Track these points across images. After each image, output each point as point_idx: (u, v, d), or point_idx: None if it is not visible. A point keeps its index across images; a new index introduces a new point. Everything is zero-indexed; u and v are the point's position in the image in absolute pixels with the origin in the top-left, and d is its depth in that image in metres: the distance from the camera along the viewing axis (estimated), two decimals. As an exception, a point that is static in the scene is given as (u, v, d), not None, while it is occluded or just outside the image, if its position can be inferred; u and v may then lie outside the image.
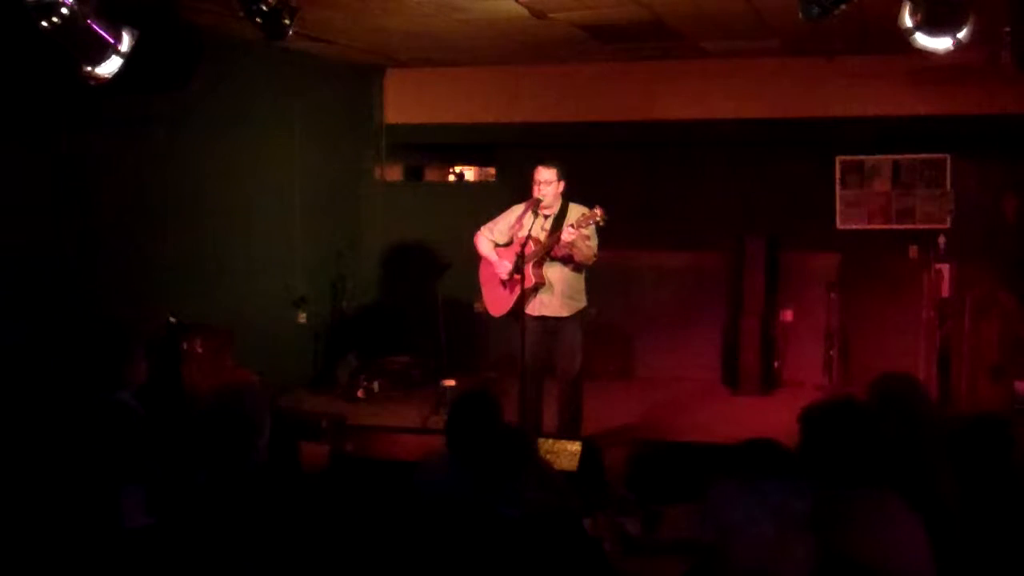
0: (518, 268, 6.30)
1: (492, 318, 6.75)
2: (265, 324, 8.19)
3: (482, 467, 3.59)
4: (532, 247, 6.34)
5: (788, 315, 9.11)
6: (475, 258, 6.75)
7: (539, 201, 6.34)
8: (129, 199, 6.95)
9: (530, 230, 6.32)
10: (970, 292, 8.05)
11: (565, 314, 6.47)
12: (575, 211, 6.38)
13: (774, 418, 7.63)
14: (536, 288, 6.38)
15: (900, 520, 2.91)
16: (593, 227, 6.27)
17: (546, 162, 6.38)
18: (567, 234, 6.19)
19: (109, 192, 6.76)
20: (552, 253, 6.36)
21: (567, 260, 6.39)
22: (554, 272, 6.41)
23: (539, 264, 6.37)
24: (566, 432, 6.36)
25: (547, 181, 6.33)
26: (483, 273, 6.73)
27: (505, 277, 6.49)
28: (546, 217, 6.42)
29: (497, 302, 6.61)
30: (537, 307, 6.43)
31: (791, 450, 2.96)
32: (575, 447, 5.24)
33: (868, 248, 8.88)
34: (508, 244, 6.57)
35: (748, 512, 2.73)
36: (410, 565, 3.24)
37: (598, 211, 6.18)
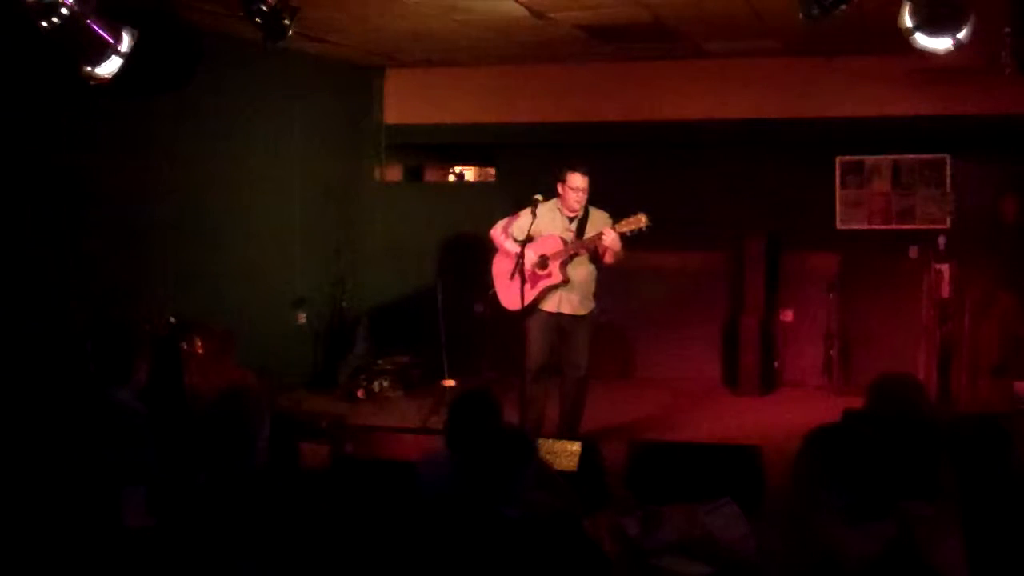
0: (541, 264, 6.41)
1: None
2: (265, 324, 8.20)
3: (482, 467, 3.59)
4: (560, 245, 6.45)
5: (788, 315, 9.11)
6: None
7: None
8: (129, 199, 6.95)
9: (551, 229, 6.44)
10: (970, 292, 8.05)
11: (582, 313, 6.60)
12: (596, 214, 6.53)
13: (773, 418, 7.66)
14: (558, 286, 6.47)
15: (947, 539, 2.91)
16: (633, 232, 6.36)
17: (581, 169, 6.46)
18: (608, 236, 6.29)
19: (110, 192, 6.75)
20: (580, 252, 6.47)
21: (596, 259, 6.51)
22: (578, 272, 6.53)
23: (565, 264, 6.47)
24: (566, 431, 6.38)
25: (583, 188, 6.46)
26: (497, 266, 6.74)
27: (523, 271, 6.47)
28: (571, 220, 6.52)
29: (514, 296, 6.60)
30: (556, 304, 6.53)
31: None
32: (575, 447, 5.24)
33: (868, 248, 8.89)
34: (527, 241, 6.59)
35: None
36: (410, 565, 3.24)
37: (643, 217, 6.29)
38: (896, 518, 2.72)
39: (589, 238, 6.43)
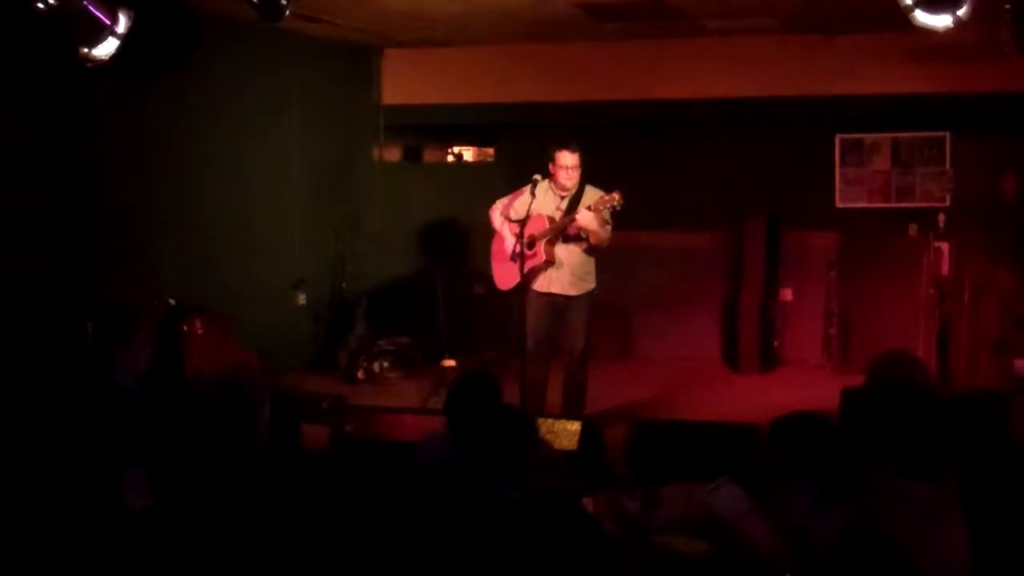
0: (528, 244, 6.37)
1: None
2: (265, 306, 8.20)
3: (482, 448, 3.60)
4: (546, 224, 6.39)
5: (788, 294, 9.12)
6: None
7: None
8: (127, 182, 6.93)
9: (541, 208, 6.36)
10: (969, 270, 8.04)
11: (573, 293, 6.53)
12: (591, 193, 6.43)
13: (774, 396, 7.67)
14: (546, 265, 6.43)
15: (950, 519, 2.91)
16: (609, 211, 6.31)
17: (570, 146, 6.38)
18: (582, 216, 6.22)
19: (108, 176, 6.73)
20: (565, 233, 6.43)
21: (579, 240, 6.44)
22: (564, 252, 6.47)
23: (551, 242, 6.41)
24: (569, 412, 6.38)
25: (573, 166, 6.37)
26: (495, 247, 6.75)
27: (509, 251, 6.51)
28: (562, 197, 6.46)
29: (506, 276, 6.63)
30: (546, 284, 6.48)
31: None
32: (575, 427, 5.24)
33: (868, 226, 8.87)
34: (524, 220, 6.58)
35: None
36: (411, 545, 3.25)
37: (616, 195, 6.21)
38: (859, 497, 2.77)
39: (564, 218, 6.37)
